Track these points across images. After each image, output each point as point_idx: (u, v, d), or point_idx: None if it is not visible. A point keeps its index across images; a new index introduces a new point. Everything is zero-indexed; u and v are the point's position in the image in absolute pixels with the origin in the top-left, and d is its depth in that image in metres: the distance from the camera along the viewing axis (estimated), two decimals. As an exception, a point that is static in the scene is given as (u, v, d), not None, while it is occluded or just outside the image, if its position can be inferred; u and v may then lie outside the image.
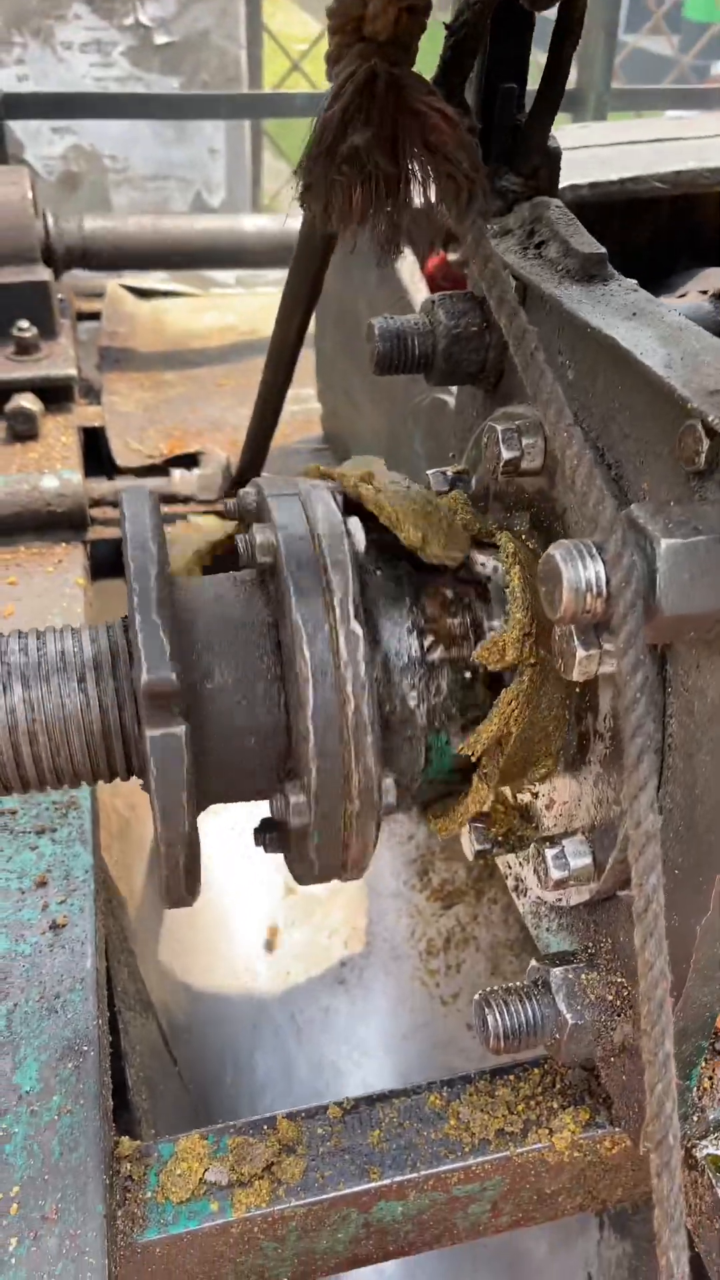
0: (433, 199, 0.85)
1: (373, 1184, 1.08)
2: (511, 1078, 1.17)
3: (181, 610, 0.97)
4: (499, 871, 1.29)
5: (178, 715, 0.87)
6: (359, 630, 0.90)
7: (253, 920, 1.87)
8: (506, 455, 0.96)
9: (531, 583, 0.96)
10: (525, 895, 1.23)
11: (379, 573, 1.00)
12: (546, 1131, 1.12)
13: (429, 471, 1.19)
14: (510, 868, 1.26)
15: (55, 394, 2.43)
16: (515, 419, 0.99)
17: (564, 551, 0.72)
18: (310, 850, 0.97)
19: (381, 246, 0.86)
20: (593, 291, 0.94)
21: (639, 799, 0.70)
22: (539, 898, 1.16)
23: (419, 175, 0.82)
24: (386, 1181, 1.08)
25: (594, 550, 0.72)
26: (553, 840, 0.97)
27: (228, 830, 1.97)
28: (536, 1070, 1.18)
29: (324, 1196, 1.06)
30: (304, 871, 1.03)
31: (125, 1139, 1.08)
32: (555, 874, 0.96)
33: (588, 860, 0.96)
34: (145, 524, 0.94)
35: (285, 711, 0.94)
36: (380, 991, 1.81)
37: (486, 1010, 1.01)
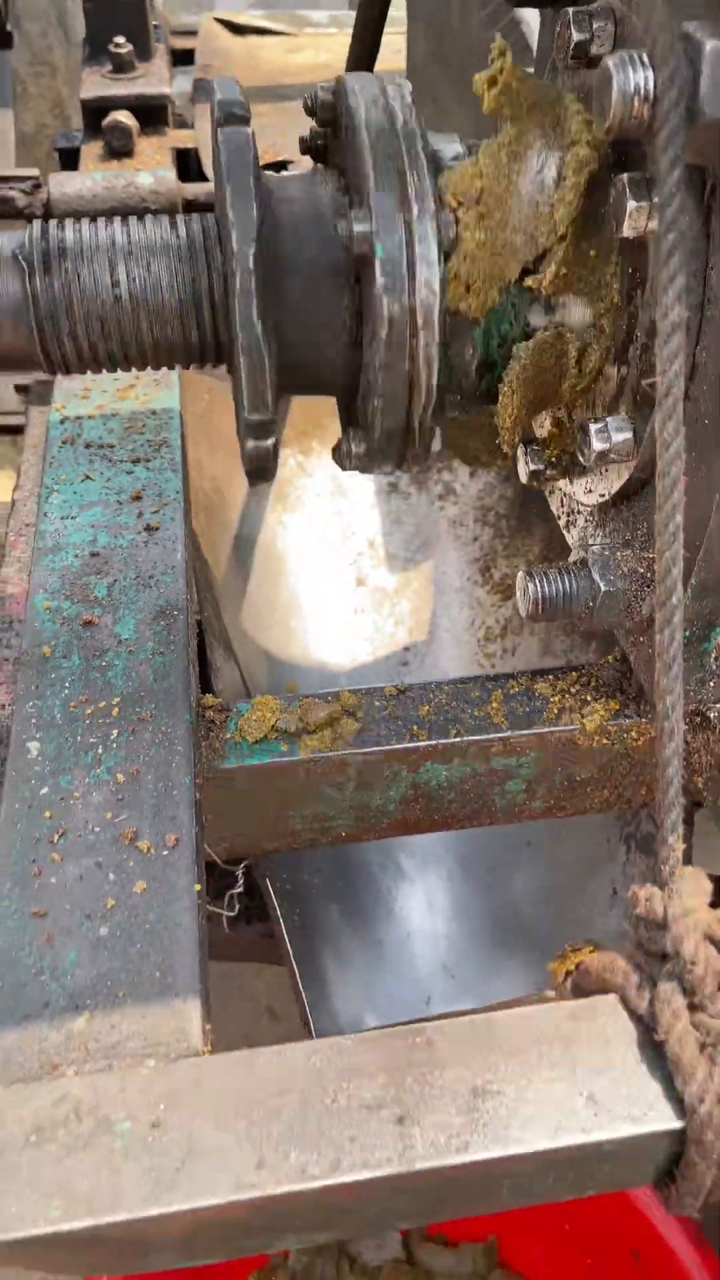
0: None
1: (420, 743, 1.23)
2: (551, 677, 1.31)
3: (265, 196, 1.05)
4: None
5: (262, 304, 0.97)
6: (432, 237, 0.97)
7: (325, 607, 2.02)
8: (576, 37, 0.99)
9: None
10: (573, 526, 1.33)
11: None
12: (579, 716, 1.26)
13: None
14: (563, 504, 1.35)
15: (150, 114, 2.45)
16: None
17: (617, 59, 0.78)
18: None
19: None
20: None
21: (668, 290, 0.78)
22: (583, 506, 1.25)
23: None
24: (432, 742, 1.23)
25: (645, 59, 0.78)
26: (597, 417, 1.06)
27: (304, 525, 2.11)
28: (574, 673, 1.31)
29: (378, 749, 1.22)
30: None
31: (209, 695, 1.24)
32: (598, 445, 1.04)
33: (629, 434, 1.05)
34: (238, 101, 1.02)
35: (358, 298, 1.03)
36: (440, 673, 1.96)
37: (528, 581, 1.13)
